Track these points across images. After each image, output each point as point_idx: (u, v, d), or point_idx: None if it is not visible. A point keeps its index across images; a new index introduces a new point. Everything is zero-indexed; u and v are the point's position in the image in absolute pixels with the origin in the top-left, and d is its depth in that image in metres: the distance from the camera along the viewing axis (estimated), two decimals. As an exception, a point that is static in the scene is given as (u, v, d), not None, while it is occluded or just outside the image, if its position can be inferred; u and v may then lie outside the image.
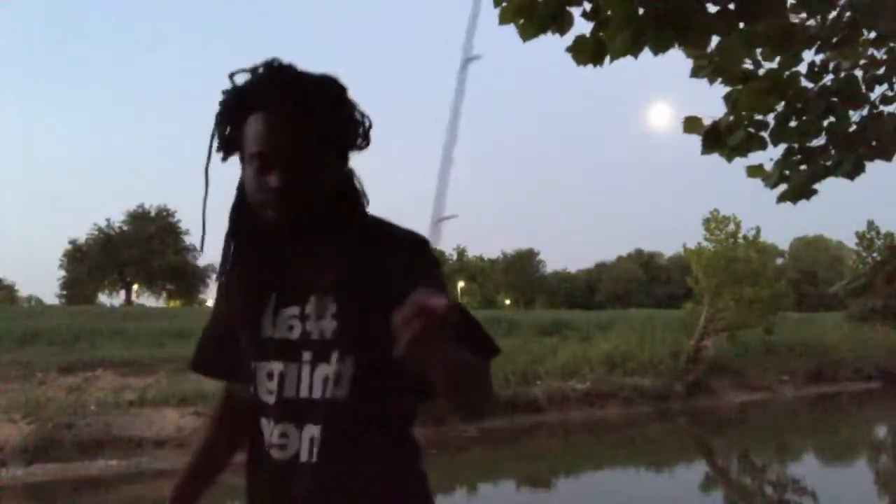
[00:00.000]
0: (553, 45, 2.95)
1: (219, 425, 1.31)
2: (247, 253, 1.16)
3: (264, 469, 1.14)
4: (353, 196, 1.16)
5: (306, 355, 1.12)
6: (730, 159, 3.52)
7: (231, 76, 1.12)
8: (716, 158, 3.61)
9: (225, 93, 1.13)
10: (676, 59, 3.08)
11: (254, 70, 1.12)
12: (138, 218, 44.16)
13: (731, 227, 17.16)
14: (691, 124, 3.55)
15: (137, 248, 42.16)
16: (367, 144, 1.15)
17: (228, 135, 1.13)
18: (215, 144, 1.14)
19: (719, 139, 3.48)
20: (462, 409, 1.21)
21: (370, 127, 1.15)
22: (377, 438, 1.13)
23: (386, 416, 1.14)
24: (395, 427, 1.16)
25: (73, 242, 43.61)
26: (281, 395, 1.12)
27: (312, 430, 1.10)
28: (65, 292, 43.67)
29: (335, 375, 1.10)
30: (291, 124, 1.07)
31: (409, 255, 1.12)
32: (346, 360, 1.10)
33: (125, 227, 43.91)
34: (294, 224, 1.08)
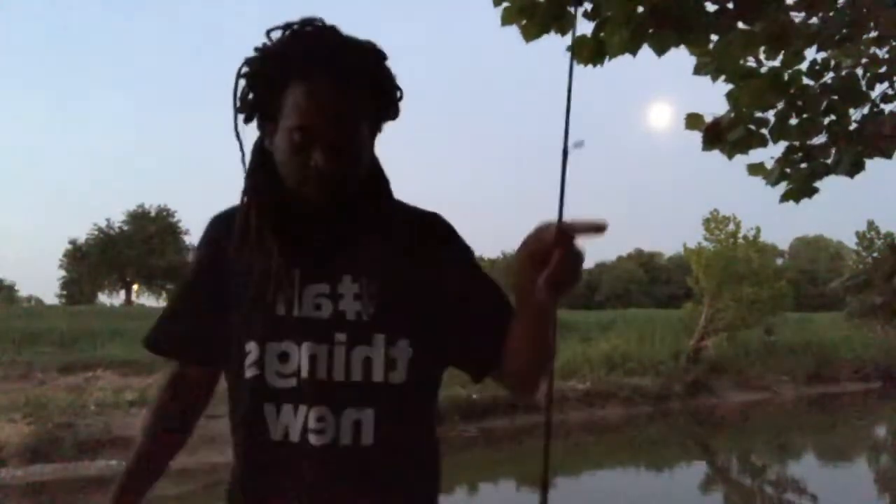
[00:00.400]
0: (554, 45, 2.95)
1: (168, 413, 1.20)
2: (266, 222, 1.06)
3: (277, 456, 1.05)
4: (381, 174, 1.11)
5: (340, 336, 1.04)
6: (730, 156, 3.53)
7: (268, 33, 1.04)
8: (716, 158, 3.62)
9: (260, 53, 1.04)
10: (677, 59, 3.08)
11: (293, 31, 1.03)
12: (138, 218, 44.15)
13: (731, 227, 17.17)
14: (693, 121, 3.58)
15: (137, 248, 42.15)
16: (397, 116, 1.09)
17: (260, 99, 1.05)
18: (243, 107, 1.06)
19: (720, 136, 3.50)
20: (526, 385, 1.10)
21: (401, 98, 1.09)
22: (425, 425, 1.12)
23: (435, 403, 1.13)
24: (435, 415, 1.14)
25: (73, 242, 43.62)
26: (313, 378, 1.03)
27: (355, 415, 1.03)
28: (65, 292, 43.69)
29: (386, 358, 1.04)
30: (339, 100, 1.00)
31: (441, 239, 1.11)
32: (399, 342, 1.05)
33: (125, 227, 43.89)
34: (331, 205, 1.02)
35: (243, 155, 1.07)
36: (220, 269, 1.10)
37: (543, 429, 0.96)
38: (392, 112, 1.08)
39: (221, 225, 1.13)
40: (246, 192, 1.08)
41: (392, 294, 1.05)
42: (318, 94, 1.00)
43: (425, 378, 1.09)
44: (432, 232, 1.11)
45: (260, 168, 1.08)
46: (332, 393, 1.04)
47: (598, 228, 0.82)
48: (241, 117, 1.07)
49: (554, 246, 0.83)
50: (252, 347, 1.06)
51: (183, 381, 1.21)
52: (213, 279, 1.11)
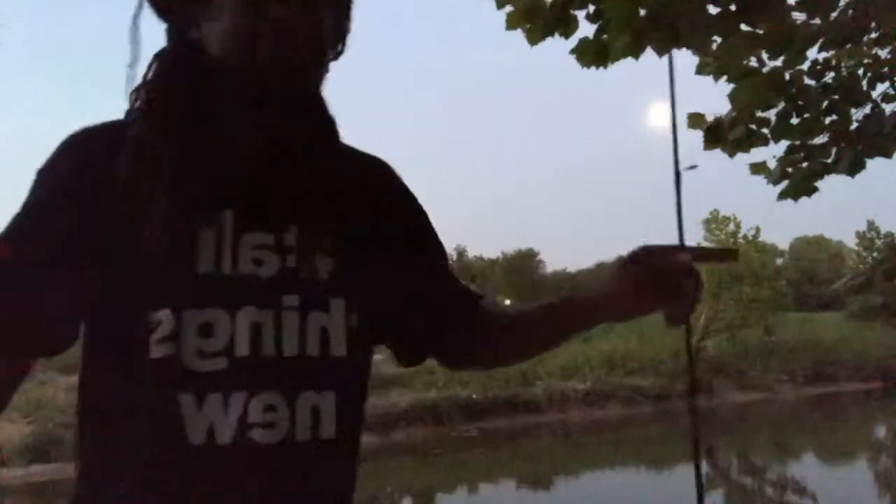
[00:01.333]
0: (554, 46, 2.96)
1: None
2: (179, 131, 0.78)
3: (196, 465, 0.75)
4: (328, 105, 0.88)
5: (290, 299, 0.79)
6: (732, 155, 3.55)
7: None
8: (716, 158, 3.62)
9: None
10: (679, 59, 3.08)
11: None
12: (138, 218, 44.19)
13: (731, 227, 17.19)
14: (695, 120, 3.60)
15: (137, 247, 42.23)
16: (341, 54, 0.88)
17: None
18: None
19: (721, 135, 3.52)
20: (498, 366, 1.05)
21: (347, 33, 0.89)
22: (363, 411, 0.89)
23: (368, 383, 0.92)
24: None
25: (72, 242, 43.63)
26: (256, 354, 0.76)
27: (313, 399, 0.79)
28: (65, 292, 43.76)
29: (342, 328, 0.82)
30: None
31: (397, 193, 0.94)
32: (355, 310, 0.84)
33: (125, 227, 43.96)
34: (289, 79, 0.78)
35: (136, 45, 0.83)
36: (91, 199, 0.75)
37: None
38: (343, 37, 0.88)
39: (99, 138, 0.79)
40: (152, 80, 0.80)
41: (349, 250, 0.84)
42: None
43: (368, 355, 0.90)
44: (388, 183, 0.94)
45: (176, 49, 0.83)
46: (284, 372, 0.78)
47: (730, 256, 0.81)
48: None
49: (685, 276, 0.80)
50: (162, 317, 0.74)
51: None
52: (75, 214, 0.75)
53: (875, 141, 3.34)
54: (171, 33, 0.85)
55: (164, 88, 0.80)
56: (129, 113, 0.80)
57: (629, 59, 2.90)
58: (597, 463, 10.59)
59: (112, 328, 0.78)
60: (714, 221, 17.36)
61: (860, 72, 3.46)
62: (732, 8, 2.77)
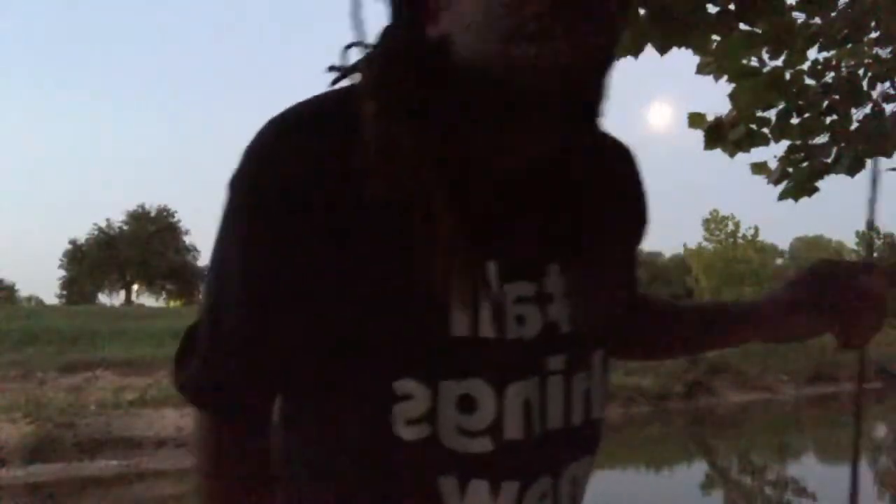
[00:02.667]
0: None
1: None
2: (430, 167, 0.59)
3: None
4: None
5: (555, 362, 0.65)
6: (732, 154, 3.56)
7: None
8: (716, 159, 3.64)
9: None
10: (678, 59, 3.08)
11: None
12: (138, 218, 44.14)
13: (731, 227, 17.20)
14: (695, 120, 3.61)
15: (137, 248, 42.14)
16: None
17: None
18: None
19: (722, 135, 3.52)
20: (641, 359, 0.96)
21: None
22: None
23: None
24: None
25: (73, 242, 43.62)
26: (529, 434, 0.63)
27: (574, 470, 0.69)
28: (65, 292, 43.69)
29: (602, 386, 0.70)
30: None
31: (639, 184, 0.78)
32: (605, 357, 0.71)
33: (125, 227, 43.90)
34: (560, 104, 0.59)
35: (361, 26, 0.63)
36: (320, 236, 0.59)
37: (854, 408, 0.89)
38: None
39: (323, 136, 0.59)
40: (390, 75, 0.60)
41: (606, 284, 0.69)
42: None
43: None
44: (634, 182, 0.77)
45: (409, 45, 0.61)
46: (552, 451, 0.66)
47: None
48: None
49: (869, 302, 0.72)
50: (413, 388, 0.60)
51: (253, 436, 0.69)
52: (301, 260, 0.60)
53: (875, 141, 3.34)
54: (397, 24, 0.63)
55: (408, 91, 0.59)
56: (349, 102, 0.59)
57: (628, 59, 2.90)
58: (597, 463, 10.59)
59: (342, 398, 0.63)
60: (714, 221, 17.36)
61: (860, 72, 3.46)
62: (732, 8, 2.77)
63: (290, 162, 0.58)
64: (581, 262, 0.66)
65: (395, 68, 0.60)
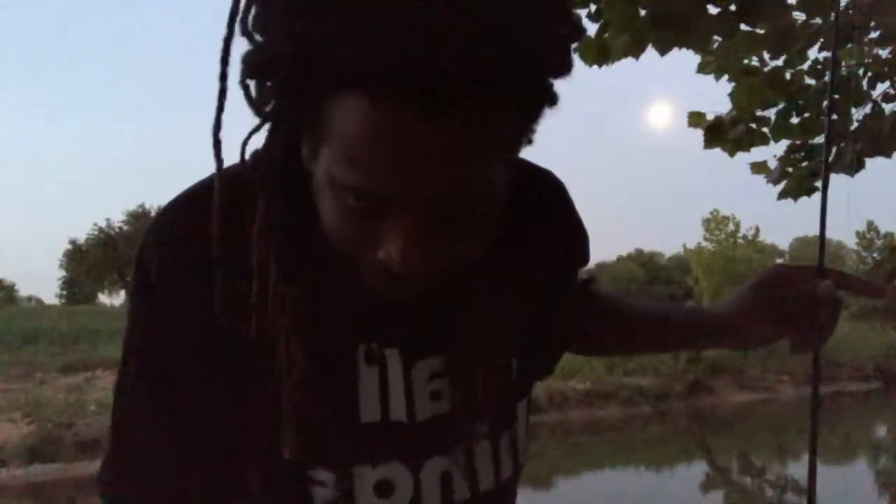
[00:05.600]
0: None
1: None
2: (312, 272, 0.58)
3: None
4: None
5: (478, 428, 0.66)
6: (732, 154, 3.56)
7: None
8: (716, 158, 3.65)
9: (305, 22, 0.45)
10: (678, 59, 3.08)
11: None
12: (138, 218, 44.09)
13: (731, 227, 17.20)
14: (695, 119, 3.61)
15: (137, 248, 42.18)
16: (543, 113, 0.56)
17: (291, 108, 0.51)
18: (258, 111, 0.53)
19: (721, 134, 3.53)
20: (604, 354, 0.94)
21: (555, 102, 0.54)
22: None
23: None
24: None
25: (73, 242, 43.62)
26: (448, 502, 0.65)
27: None
28: (65, 292, 43.72)
29: (525, 429, 0.73)
30: (455, 147, 0.46)
31: (562, 218, 0.75)
32: (525, 404, 0.74)
33: (125, 227, 43.90)
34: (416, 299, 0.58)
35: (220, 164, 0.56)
36: (222, 330, 0.58)
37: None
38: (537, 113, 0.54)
39: (205, 236, 0.57)
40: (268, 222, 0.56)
41: (527, 334, 0.68)
42: (408, 134, 0.45)
43: None
44: (555, 218, 0.73)
45: (284, 195, 0.57)
46: None
47: (876, 294, 0.74)
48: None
49: (822, 305, 0.71)
50: (325, 476, 0.61)
51: None
52: (212, 355, 0.59)
53: (875, 141, 3.34)
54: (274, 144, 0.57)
55: (277, 203, 0.56)
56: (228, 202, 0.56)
57: (628, 59, 2.91)
58: (597, 463, 10.59)
59: (268, 494, 0.63)
60: (714, 221, 17.36)
61: (860, 72, 3.47)
62: (732, 8, 2.77)
63: (182, 256, 0.59)
64: (495, 325, 0.64)
65: (270, 187, 0.56)
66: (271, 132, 0.57)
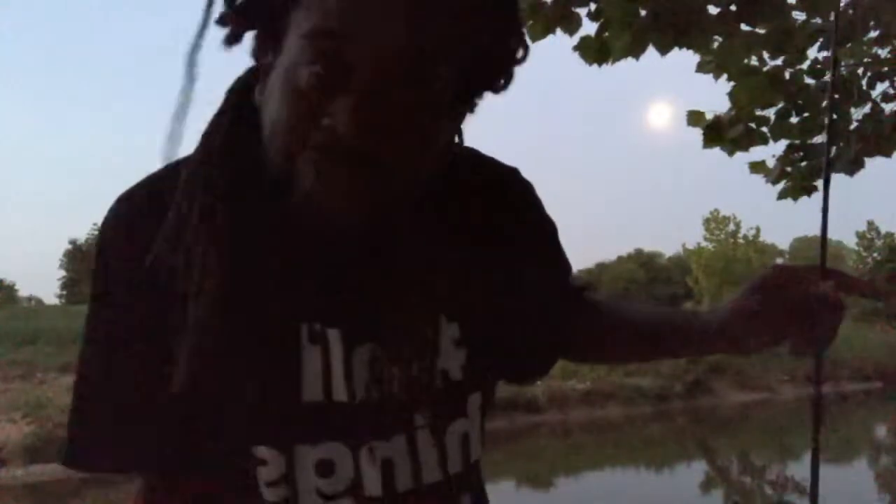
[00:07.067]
0: (554, 45, 2.96)
1: None
2: (255, 242, 0.60)
3: None
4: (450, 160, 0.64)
5: (420, 418, 0.66)
6: (731, 153, 3.56)
7: None
8: (716, 159, 3.65)
9: None
10: (678, 58, 3.09)
11: None
12: (138, 218, 44.18)
13: (731, 227, 17.20)
14: (695, 118, 3.61)
15: (137, 248, 42.17)
16: (507, 85, 0.62)
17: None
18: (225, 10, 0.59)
19: (721, 133, 3.53)
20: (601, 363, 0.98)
21: (524, 56, 0.61)
22: None
23: None
24: None
25: (73, 242, 43.63)
26: (391, 492, 0.64)
27: None
28: (65, 292, 43.72)
29: (479, 425, 0.72)
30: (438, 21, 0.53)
31: (523, 211, 0.76)
32: (488, 392, 0.73)
33: (125, 227, 43.94)
34: (369, 230, 0.60)
35: (185, 101, 0.62)
36: (163, 309, 0.60)
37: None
38: (499, 75, 0.61)
39: (153, 221, 0.61)
40: (204, 176, 0.60)
41: (478, 327, 0.69)
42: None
43: None
44: (512, 211, 0.74)
45: (234, 129, 0.62)
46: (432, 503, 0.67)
47: (878, 296, 0.72)
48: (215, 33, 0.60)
49: (823, 307, 0.68)
50: (266, 454, 0.62)
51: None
52: (155, 326, 0.60)
53: (875, 140, 3.34)
54: (237, 88, 0.64)
55: (220, 179, 0.60)
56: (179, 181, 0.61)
57: (628, 59, 2.91)
58: (597, 463, 10.59)
59: (210, 463, 0.64)
60: (714, 221, 17.37)
61: (860, 71, 3.47)
62: (733, 8, 2.77)
63: (128, 244, 0.61)
64: (441, 318, 0.66)
65: (208, 152, 0.62)
66: (227, 94, 0.63)
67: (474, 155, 0.73)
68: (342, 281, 0.63)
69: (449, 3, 0.54)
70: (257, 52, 0.61)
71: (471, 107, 0.62)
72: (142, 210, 0.62)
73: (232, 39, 0.59)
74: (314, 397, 0.62)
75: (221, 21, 0.59)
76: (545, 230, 0.79)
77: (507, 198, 0.74)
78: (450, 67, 0.55)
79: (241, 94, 0.63)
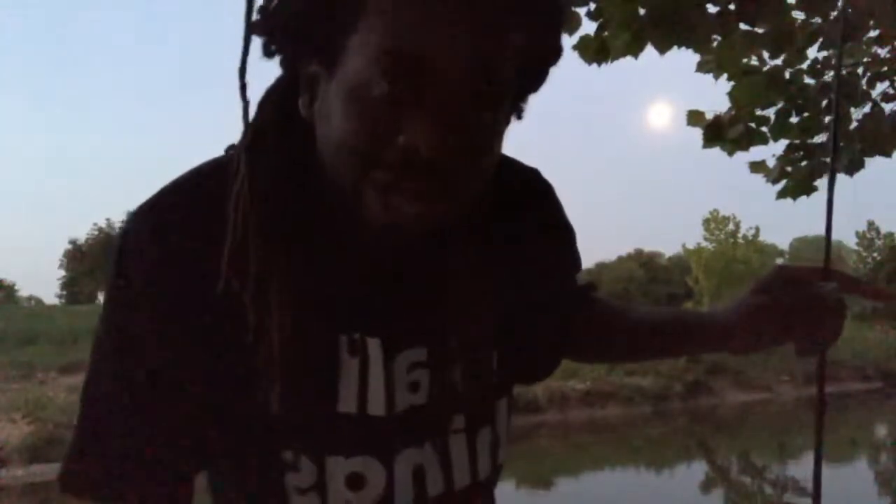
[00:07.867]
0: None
1: None
2: (300, 253, 0.59)
3: None
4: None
5: (456, 421, 0.66)
6: (731, 153, 3.56)
7: None
8: (716, 158, 3.66)
9: None
10: (678, 58, 3.09)
11: None
12: (138, 218, 44.13)
13: (731, 227, 17.20)
14: (694, 117, 3.61)
15: (137, 248, 42.14)
16: (541, 85, 0.63)
17: (307, 13, 0.55)
18: (264, 23, 0.57)
19: (721, 133, 3.53)
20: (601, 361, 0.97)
21: (559, 55, 0.61)
22: None
23: None
24: None
25: (73, 242, 43.65)
26: (422, 497, 0.65)
27: None
28: (65, 292, 43.71)
29: (505, 431, 0.73)
30: (486, 18, 0.53)
31: (546, 218, 0.77)
32: (505, 402, 0.73)
33: (125, 227, 43.91)
34: (427, 244, 0.61)
35: (247, 123, 0.59)
36: (201, 325, 0.58)
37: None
38: (545, 77, 0.62)
39: (195, 228, 0.59)
40: (249, 196, 0.57)
41: (509, 333, 0.69)
42: (481, 15, 0.52)
43: None
44: (537, 217, 0.74)
45: (282, 142, 0.59)
46: None
47: (882, 298, 0.73)
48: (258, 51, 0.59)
49: (827, 309, 0.68)
50: (297, 460, 0.62)
51: None
52: (190, 353, 0.59)
53: (875, 140, 3.34)
54: (273, 95, 0.62)
55: (266, 200, 0.58)
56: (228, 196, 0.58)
57: (628, 59, 2.91)
58: (597, 463, 10.59)
59: (241, 472, 0.64)
60: (714, 221, 17.37)
61: (860, 71, 3.47)
62: (732, 7, 2.77)
63: (170, 259, 0.59)
64: (477, 318, 0.65)
65: (259, 152, 0.59)
66: (262, 104, 0.61)
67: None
68: (382, 290, 0.63)
69: (513, 14, 0.54)
70: (294, 61, 0.59)
71: (518, 113, 0.63)
72: (186, 228, 0.59)
73: (271, 51, 0.59)
74: (349, 409, 0.62)
75: (262, 32, 0.58)
76: (565, 235, 0.80)
77: (532, 201, 0.75)
78: (512, 77, 0.56)
79: (277, 105, 0.61)
